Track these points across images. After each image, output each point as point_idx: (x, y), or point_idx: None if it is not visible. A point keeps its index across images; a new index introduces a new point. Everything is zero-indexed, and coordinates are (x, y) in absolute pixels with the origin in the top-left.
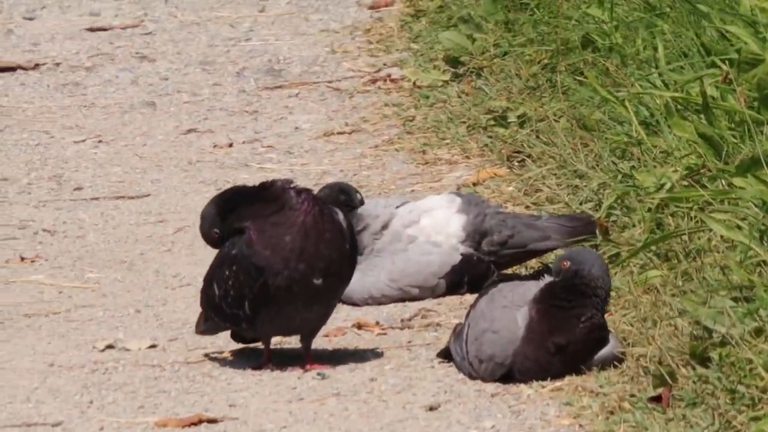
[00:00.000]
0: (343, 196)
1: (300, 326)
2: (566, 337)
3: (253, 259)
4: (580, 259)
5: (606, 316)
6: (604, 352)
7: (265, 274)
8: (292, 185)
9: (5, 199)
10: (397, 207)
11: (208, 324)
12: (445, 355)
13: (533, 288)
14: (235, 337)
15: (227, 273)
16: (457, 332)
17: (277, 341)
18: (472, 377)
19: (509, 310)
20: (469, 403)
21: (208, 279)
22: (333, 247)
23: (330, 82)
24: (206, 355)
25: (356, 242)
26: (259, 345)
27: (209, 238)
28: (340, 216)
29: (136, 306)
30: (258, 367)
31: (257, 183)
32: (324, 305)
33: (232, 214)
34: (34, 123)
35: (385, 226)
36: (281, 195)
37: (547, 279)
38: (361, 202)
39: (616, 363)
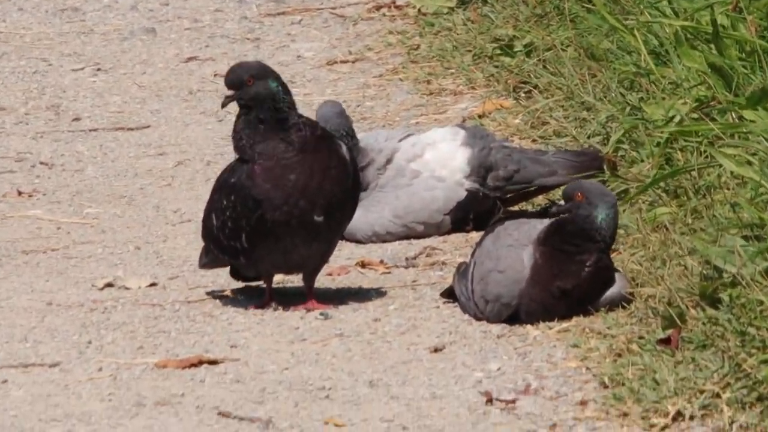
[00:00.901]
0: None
1: (301, 263)
2: (571, 282)
3: (252, 191)
4: (594, 196)
5: (614, 255)
6: (612, 292)
7: (263, 207)
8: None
9: (2, 129)
10: (400, 140)
11: (209, 257)
12: (449, 294)
13: (539, 226)
14: (235, 274)
15: (225, 203)
16: (462, 271)
17: (279, 279)
18: (477, 318)
19: (515, 249)
20: (475, 344)
21: (208, 208)
22: (336, 183)
23: (333, 8)
24: (208, 293)
25: (359, 177)
26: (261, 284)
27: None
28: (344, 149)
29: (135, 243)
30: (260, 306)
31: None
32: (325, 242)
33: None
34: (32, 50)
35: (388, 161)
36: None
37: (551, 218)
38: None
39: (624, 304)
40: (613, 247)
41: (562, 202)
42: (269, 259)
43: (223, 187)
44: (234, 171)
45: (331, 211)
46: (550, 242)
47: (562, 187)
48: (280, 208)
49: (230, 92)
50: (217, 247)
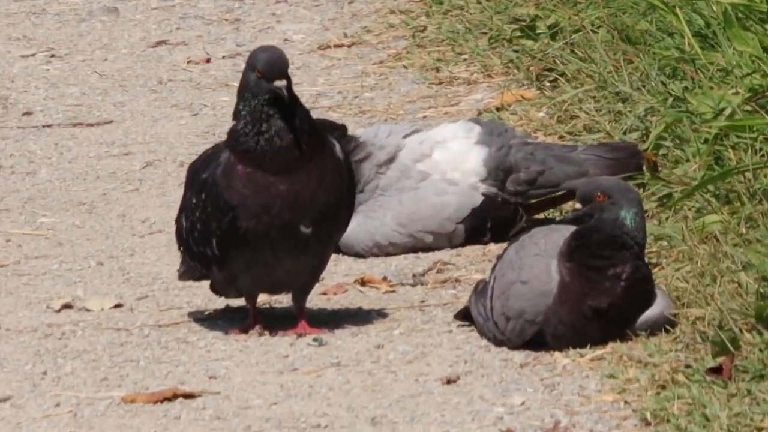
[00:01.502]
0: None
1: (287, 281)
2: (605, 300)
3: (225, 194)
4: (617, 195)
5: (655, 270)
6: (652, 313)
7: (237, 213)
8: None
9: None
10: (405, 137)
11: (184, 266)
12: (465, 316)
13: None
14: (215, 289)
15: (194, 201)
16: (480, 289)
17: (265, 299)
18: (497, 342)
19: (542, 258)
20: (494, 375)
21: (180, 206)
22: (330, 191)
23: None
24: (182, 316)
25: (354, 180)
26: (245, 303)
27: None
28: (338, 149)
29: (97, 257)
30: (243, 330)
31: None
32: (315, 256)
33: None
34: None
35: (391, 159)
36: None
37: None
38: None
39: (667, 327)
40: (656, 261)
41: (578, 206)
42: (249, 275)
43: (193, 181)
44: (208, 162)
45: (321, 221)
46: (576, 258)
47: (582, 189)
48: (258, 217)
49: (282, 82)
50: (188, 252)
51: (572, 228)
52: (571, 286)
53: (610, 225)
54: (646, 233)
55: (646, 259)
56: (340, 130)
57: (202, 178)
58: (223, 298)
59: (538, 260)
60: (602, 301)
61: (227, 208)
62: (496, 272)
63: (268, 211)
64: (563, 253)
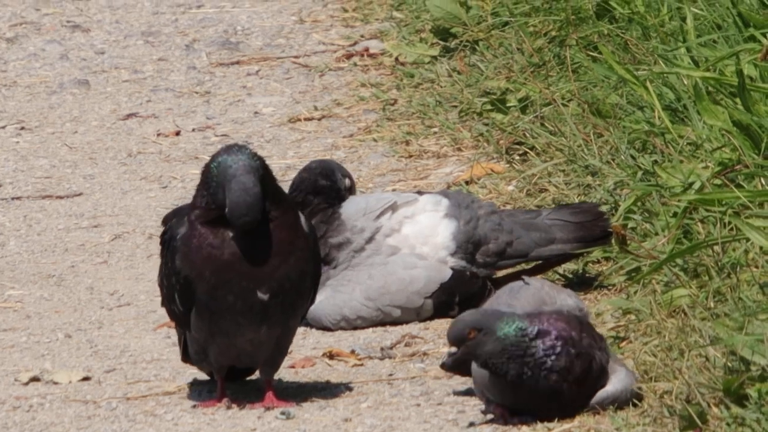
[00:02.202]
0: (324, 182)
1: (253, 352)
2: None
3: (178, 261)
4: (485, 324)
5: (624, 344)
6: (614, 389)
7: (193, 282)
8: None
9: None
10: (377, 218)
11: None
12: (451, 368)
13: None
14: (190, 361)
15: (164, 258)
16: None
17: None
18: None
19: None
20: None
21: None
22: (291, 261)
23: (296, 57)
24: (150, 389)
25: (319, 252)
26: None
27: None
28: (303, 221)
29: (65, 330)
30: (210, 404)
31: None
32: (278, 326)
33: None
34: None
35: (369, 240)
36: None
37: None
38: (350, 191)
39: (635, 401)
40: (624, 334)
41: (453, 350)
42: (215, 345)
43: (162, 237)
44: (179, 218)
45: (279, 290)
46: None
47: (451, 334)
48: (209, 281)
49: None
50: (164, 306)
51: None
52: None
53: (495, 354)
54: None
55: (614, 333)
56: (334, 192)
57: (167, 234)
58: (191, 371)
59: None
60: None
61: (181, 272)
62: None
63: (219, 273)
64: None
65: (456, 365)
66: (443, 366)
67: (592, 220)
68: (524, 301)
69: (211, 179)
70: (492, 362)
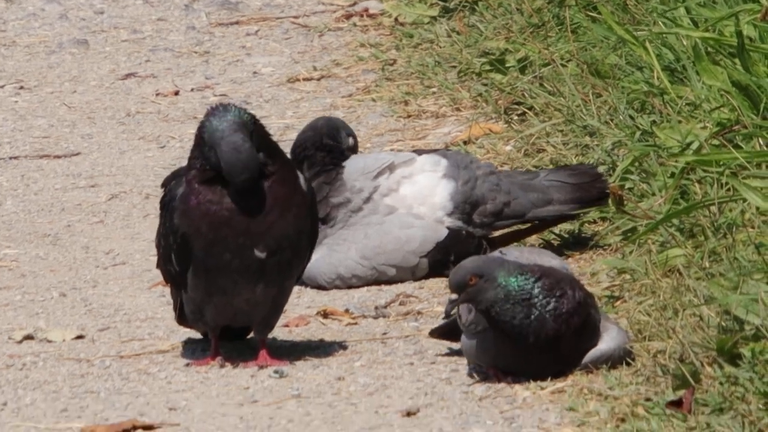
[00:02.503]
0: (329, 141)
1: (249, 311)
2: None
3: (176, 219)
4: (486, 271)
5: (618, 303)
6: (608, 347)
7: (191, 240)
8: None
9: None
10: (375, 177)
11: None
12: (443, 333)
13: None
14: (185, 322)
15: (162, 219)
16: None
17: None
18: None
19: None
20: (454, 407)
21: None
22: (289, 219)
23: (296, 17)
24: (143, 347)
25: (317, 211)
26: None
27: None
28: (302, 180)
29: (60, 289)
30: (204, 362)
31: None
32: (274, 285)
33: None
34: None
35: (366, 200)
36: None
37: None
38: (353, 149)
39: (628, 360)
40: (618, 294)
41: (454, 296)
42: (212, 305)
43: (161, 199)
44: (177, 180)
45: (277, 248)
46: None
47: (453, 280)
48: (207, 236)
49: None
50: (163, 273)
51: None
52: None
53: (498, 302)
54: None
55: (609, 293)
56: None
57: (166, 196)
58: (185, 330)
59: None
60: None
61: (179, 229)
62: None
63: (216, 231)
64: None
65: (447, 330)
66: (432, 333)
67: (590, 182)
68: None
69: (203, 143)
70: (495, 309)
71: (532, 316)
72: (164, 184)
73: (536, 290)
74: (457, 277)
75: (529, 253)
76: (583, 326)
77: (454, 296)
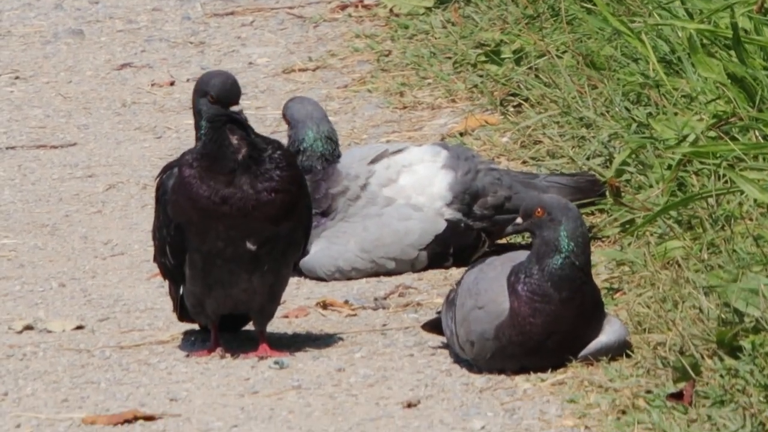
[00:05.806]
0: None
1: (247, 300)
2: (551, 323)
3: (169, 209)
4: (556, 212)
5: (618, 295)
6: (608, 339)
7: (186, 230)
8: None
9: None
10: (371, 162)
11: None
12: (434, 327)
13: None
14: (185, 317)
15: (156, 213)
16: (450, 299)
17: None
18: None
19: (497, 282)
20: (455, 399)
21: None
22: (280, 212)
23: (291, 7)
24: (143, 338)
25: (311, 200)
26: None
27: None
28: (297, 170)
29: (59, 279)
30: (204, 353)
31: None
32: (269, 274)
33: None
34: None
35: (363, 188)
36: None
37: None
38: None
39: (628, 352)
40: (618, 286)
41: (519, 220)
42: (212, 297)
43: (158, 193)
44: (170, 173)
45: (268, 241)
46: (527, 292)
47: (525, 204)
48: (197, 224)
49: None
50: (160, 269)
51: (526, 254)
52: (519, 310)
53: (550, 242)
54: (589, 251)
55: (608, 285)
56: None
57: (159, 189)
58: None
59: (494, 284)
60: (548, 325)
61: (172, 221)
62: (457, 301)
63: (212, 223)
64: (513, 284)
65: (519, 232)
66: (424, 327)
67: (589, 183)
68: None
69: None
70: (543, 249)
71: (564, 262)
72: (158, 176)
73: (577, 262)
74: (528, 204)
75: (522, 255)
76: (596, 305)
77: (519, 220)
